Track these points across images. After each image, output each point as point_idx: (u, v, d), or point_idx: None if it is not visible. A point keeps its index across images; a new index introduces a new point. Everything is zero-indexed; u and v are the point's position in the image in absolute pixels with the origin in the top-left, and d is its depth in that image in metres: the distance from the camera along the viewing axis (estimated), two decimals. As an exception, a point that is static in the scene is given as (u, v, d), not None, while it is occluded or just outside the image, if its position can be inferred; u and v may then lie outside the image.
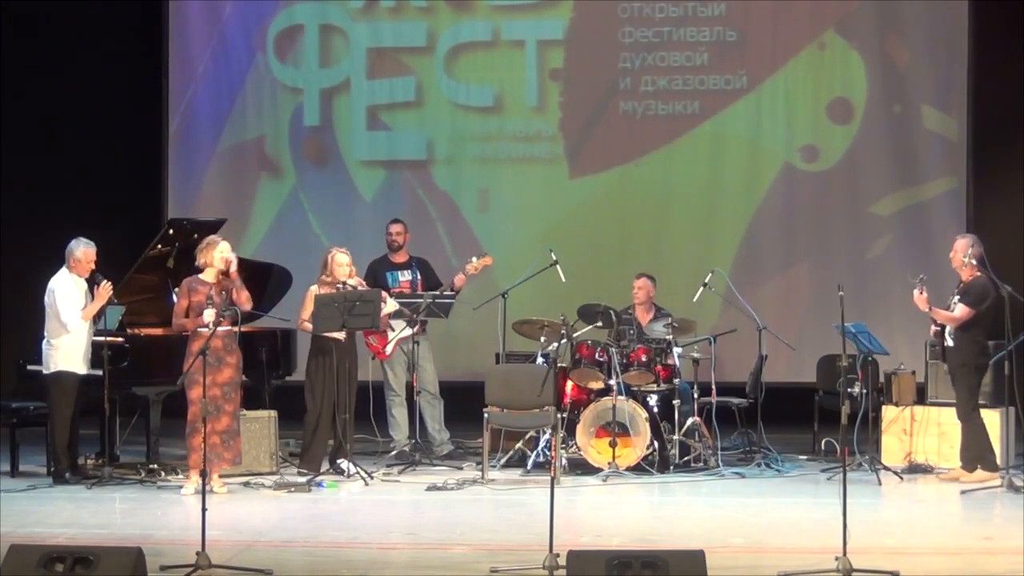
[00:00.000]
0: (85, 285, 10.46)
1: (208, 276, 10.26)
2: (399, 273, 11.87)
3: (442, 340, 13.01)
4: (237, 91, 14.53)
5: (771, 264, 14.00)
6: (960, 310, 10.46)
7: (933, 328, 10.83)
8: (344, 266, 10.77)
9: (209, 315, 9.98)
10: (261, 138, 14.55)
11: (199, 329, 10.04)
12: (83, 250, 10.40)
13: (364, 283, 10.93)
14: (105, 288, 10.28)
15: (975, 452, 10.58)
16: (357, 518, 9.46)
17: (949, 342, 10.61)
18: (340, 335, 10.62)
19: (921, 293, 10.50)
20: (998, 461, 10.58)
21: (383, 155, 14.47)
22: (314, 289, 10.81)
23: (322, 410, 10.77)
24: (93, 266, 10.42)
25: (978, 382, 10.58)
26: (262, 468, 10.82)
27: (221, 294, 10.16)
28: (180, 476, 10.53)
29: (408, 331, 11.48)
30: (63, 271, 10.44)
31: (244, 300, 10.27)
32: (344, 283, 10.71)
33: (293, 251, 13.13)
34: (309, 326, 10.70)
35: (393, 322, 11.49)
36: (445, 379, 12.17)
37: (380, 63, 14.44)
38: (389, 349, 11.69)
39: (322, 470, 10.69)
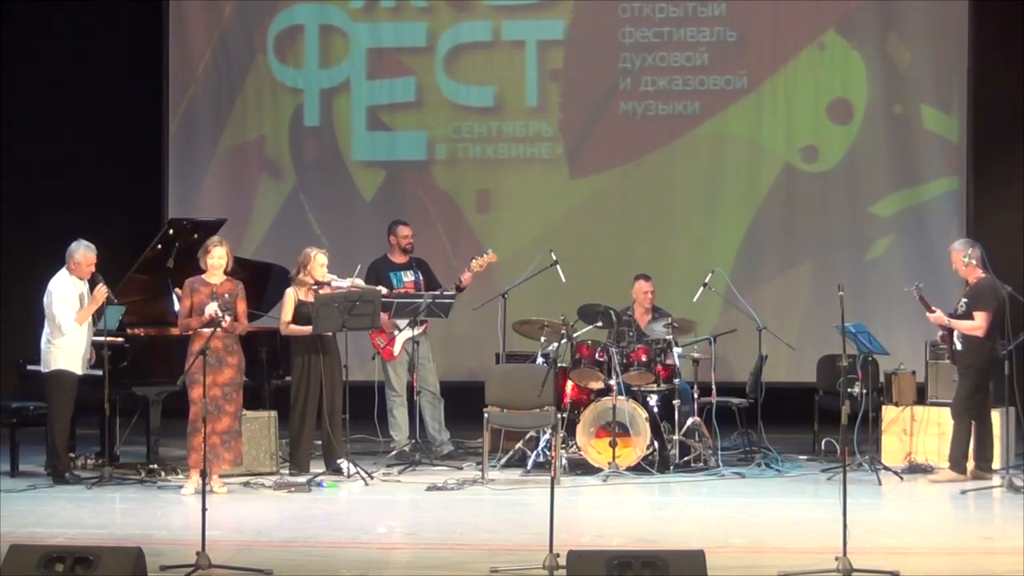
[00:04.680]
0: (85, 286, 10.47)
1: (211, 277, 10.28)
2: (403, 273, 11.88)
3: (442, 340, 13.03)
4: (237, 91, 14.53)
5: (771, 264, 14.00)
6: (980, 317, 10.45)
7: (940, 333, 10.82)
8: (325, 267, 10.84)
9: (209, 308, 10.02)
10: (261, 138, 14.55)
11: (202, 329, 10.05)
12: (83, 253, 10.40)
13: (336, 279, 10.92)
14: (100, 292, 10.27)
15: (955, 452, 10.61)
16: (357, 518, 9.47)
17: (958, 345, 10.61)
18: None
19: (933, 311, 10.53)
20: (968, 465, 10.60)
21: (383, 155, 14.47)
22: (291, 291, 10.84)
23: (306, 410, 10.80)
24: (92, 269, 10.43)
25: (981, 384, 10.57)
26: (262, 468, 10.82)
27: (224, 296, 10.17)
28: (180, 476, 10.54)
29: (416, 330, 11.49)
30: (63, 272, 10.45)
31: (242, 313, 10.30)
32: (320, 284, 10.73)
33: (293, 251, 13.04)
34: (295, 328, 10.73)
35: (399, 322, 11.49)
36: (445, 379, 12.17)
37: (380, 63, 14.44)
38: (396, 349, 11.69)
39: (318, 471, 10.69)
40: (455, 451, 11.90)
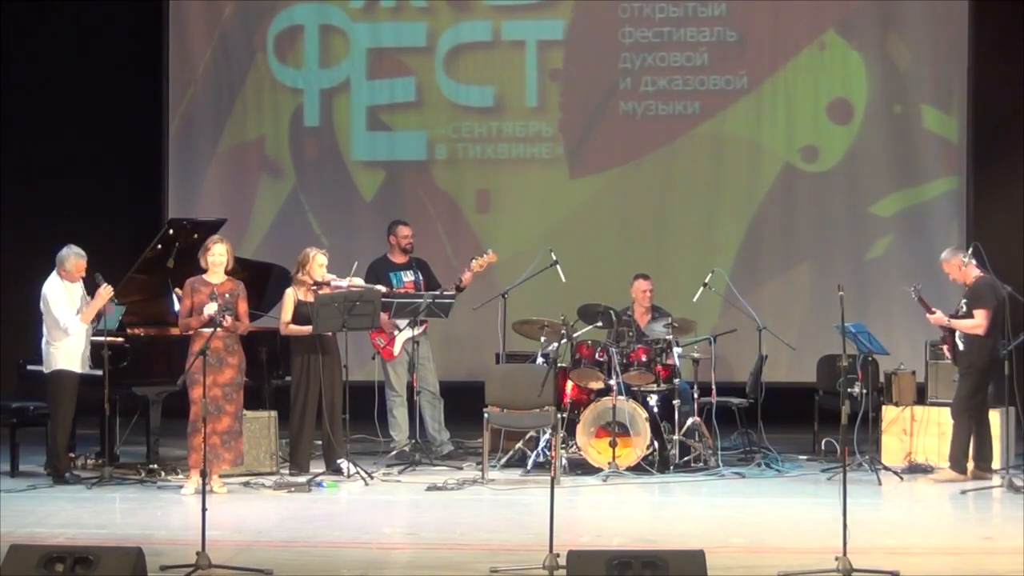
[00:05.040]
0: (80, 288, 10.46)
1: (212, 277, 10.28)
2: (403, 273, 11.87)
3: (442, 340, 13.03)
4: (237, 91, 14.53)
5: (771, 264, 14.00)
6: (980, 315, 10.46)
7: (945, 341, 10.81)
8: (324, 267, 10.84)
9: (211, 308, 10.02)
10: (261, 138, 14.55)
11: (202, 329, 10.05)
12: (74, 262, 10.41)
13: (336, 279, 10.93)
14: (106, 291, 10.28)
15: (955, 452, 10.62)
16: (357, 518, 9.46)
17: (960, 346, 10.62)
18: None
19: (932, 312, 10.55)
20: (968, 465, 10.61)
21: (383, 155, 14.47)
22: (291, 291, 10.84)
23: (306, 410, 10.80)
24: (83, 275, 10.45)
25: (981, 384, 10.57)
26: (262, 468, 10.82)
27: (225, 296, 10.16)
28: (180, 476, 10.54)
29: (416, 330, 11.49)
30: (54, 276, 10.44)
31: (243, 313, 10.30)
32: (319, 284, 10.73)
33: (293, 251, 13.06)
34: (294, 328, 10.74)
35: (400, 322, 11.49)
36: (445, 379, 12.18)
37: (380, 63, 14.44)
38: (396, 349, 11.69)
39: (318, 471, 10.69)
40: (455, 451, 11.90)
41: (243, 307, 10.33)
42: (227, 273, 10.35)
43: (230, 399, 10.24)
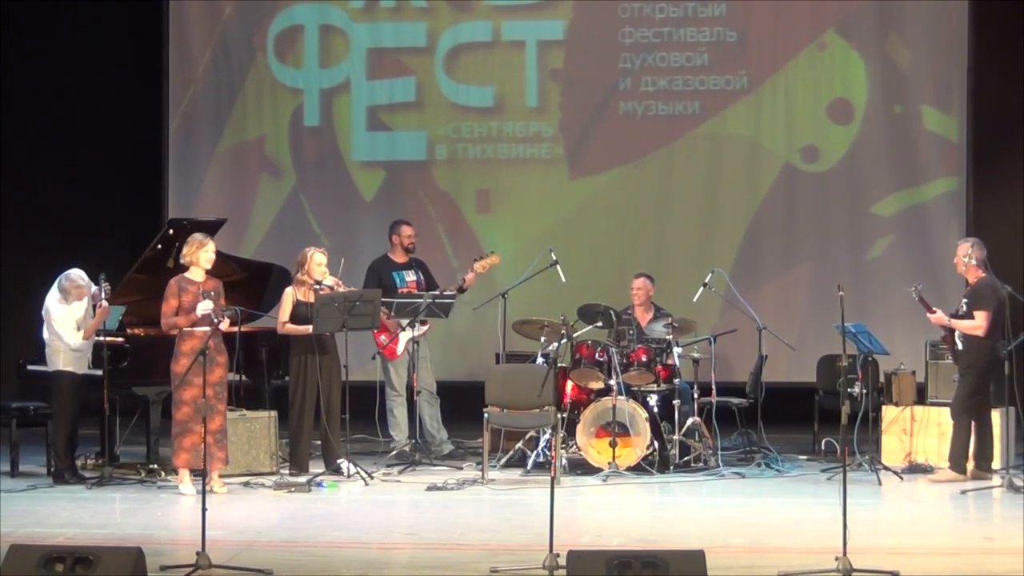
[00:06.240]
0: (83, 303, 10.45)
1: (194, 275, 10.28)
2: (405, 273, 11.87)
3: (442, 340, 13.04)
4: (237, 91, 14.52)
5: (771, 264, 13.99)
6: (980, 316, 10.46)
7: (942, 334, 10.82)
8: (323, 266, 10.83)
9: (204, 307, 10.00)
10: (261, 138, 14.55)
11: (193, 328, 10.05)
12: (77, 292, 10.40)
13: (340, 283, 10.91)
14: (103, 310, 10.26)
15: (955, 452, 10.62)
16: (357, 518, 9.47)
17: (960, 345, 10.62)
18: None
19: (933, 311, 10.55)
20: (968, 465, 10.61)
21: (383, 155, 14.46)
22: (290, 290, 10.85)
23: (304, 410, 10.80)
24: (86, 295, 10.46)
25: (981, 384, 10.57)
26: (262, 468, 10.82)
27: (211, 294, 10.17)
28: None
29: (420, 330, 11.50)
30: (57, 294, 10.40)
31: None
32: (320, 283, 10.73)
33: (293, 251, 13.07)
34: (291, 327, 10.74)
35: (403, 321, 11.49)
36: (445, 379, 12.18)
37: (380, 63, 14.43)
38: (400, 349, 11.69)
39: (318, 471, 10.69)
40: (455, 451, 11.91)
41: (222, 302, 10.34)
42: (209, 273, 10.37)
43: (221, 398, 10.26)
